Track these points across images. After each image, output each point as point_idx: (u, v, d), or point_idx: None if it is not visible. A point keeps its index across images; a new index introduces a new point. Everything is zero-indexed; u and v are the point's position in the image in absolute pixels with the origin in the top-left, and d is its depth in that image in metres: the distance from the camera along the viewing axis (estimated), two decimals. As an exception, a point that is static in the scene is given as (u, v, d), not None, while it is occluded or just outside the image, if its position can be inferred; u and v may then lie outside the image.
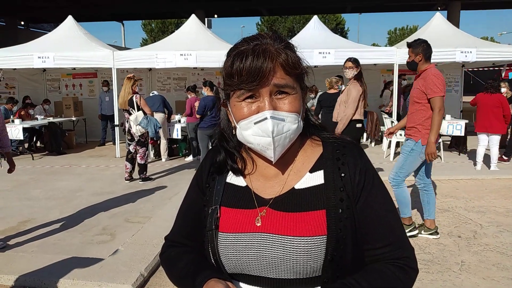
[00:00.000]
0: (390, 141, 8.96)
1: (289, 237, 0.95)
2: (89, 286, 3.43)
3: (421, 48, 4.12)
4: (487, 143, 7.49)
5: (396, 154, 8.96)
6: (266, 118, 0.94)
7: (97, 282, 3.44)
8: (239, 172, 1.08)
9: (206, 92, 8.02)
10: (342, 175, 1.00)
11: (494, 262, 3.83)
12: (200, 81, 10.20)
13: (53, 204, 5.94)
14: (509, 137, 8.72)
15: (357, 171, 1.01)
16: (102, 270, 3.64)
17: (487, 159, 7.67)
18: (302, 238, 0.94)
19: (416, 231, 4.43)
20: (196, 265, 1.04)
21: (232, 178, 1.09)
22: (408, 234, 4.01)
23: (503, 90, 7.60)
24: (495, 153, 7.47)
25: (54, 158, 9.63)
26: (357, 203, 0.99)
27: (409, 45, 4.25)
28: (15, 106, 10.51)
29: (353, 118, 5.39)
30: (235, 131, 1.02)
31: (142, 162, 7.08)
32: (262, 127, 0.94)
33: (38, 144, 11.08)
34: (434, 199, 4.39)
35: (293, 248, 0.94)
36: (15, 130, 9.11)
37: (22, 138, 9.41)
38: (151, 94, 9.29)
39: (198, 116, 7.84)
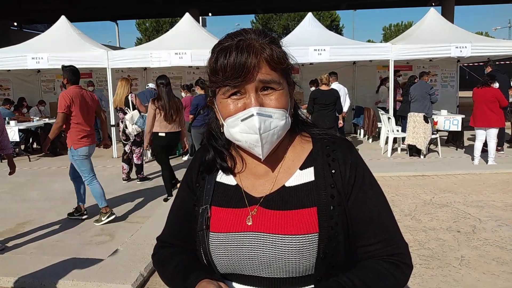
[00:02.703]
0: (387, 137, 8.97)
1: (281, 236, 0.94)
2: (88, 286, 3.41)
3: (66, 74, 4.91)
4: (485, 137, 7.51)
5: (394, 150, 8.98)
6: (252, 115, 0.92)
7: (96, 282, 3.42)
8: (229, 171, 1.06)
9: (198, 91, 8.01)
10: (333, 171, 0.99)
11: (493, 257, 3.84)
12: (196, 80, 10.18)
13: (50, 205, 5.91)
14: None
15: (348, 167, 1.00)
16: (102, 271, 3.62)
17: (485, 153, 7.71)
18: (294, 236, 0.93)
19: (113, 216, 5.06)
20: (188, 265, 1.03)
21: (222, 177, 1.07)
22: (106, 220, 4.97)
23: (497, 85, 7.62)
24: (492, 147, 7.49)
25: (50, 159, 9.59)
26: (349, 200, 0.98)
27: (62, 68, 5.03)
28: (12, 107, 10.43)
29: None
30: (223, 128, 1.00)
31: (139, 162, 7.05)
32: (249, 124, 0.93)
33: (35, 145, 11.02)
34: (99, 191, 5.02)
35: (284, 246, 0.93)
36: (10, 132, 9.05)
37: (18, 139, 9.38)
38: (146, 87, 9.18)
39: (191, 115, 7.81)
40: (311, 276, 0.95)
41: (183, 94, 9.14)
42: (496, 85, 7.60)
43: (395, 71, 9.86)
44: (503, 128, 7.94)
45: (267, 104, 0.94)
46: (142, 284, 3.52)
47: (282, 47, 0.98)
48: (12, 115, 9.99)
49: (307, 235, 0.93)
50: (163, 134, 5.66)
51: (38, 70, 11.85)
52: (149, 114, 5.73)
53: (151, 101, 5.80)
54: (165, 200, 5.89)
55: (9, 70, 10.70)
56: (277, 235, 0.94)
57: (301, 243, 0.92)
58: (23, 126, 9.53)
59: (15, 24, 26.19)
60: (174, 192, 6.19)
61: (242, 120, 0.93)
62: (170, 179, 5.90)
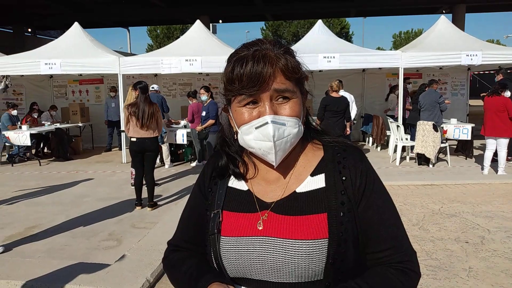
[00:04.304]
0: (396, 146, 8.92)
1: (291, 241, 0.95)
2: (95, 291, 3.44)
3: None
4: (495, 147, 7.42)
5: (402, 158, 8.93)
6: (267, 123, 0.95)
7: None
8: (240, 177, 1.09)
9: (207, 96, 8.05)
10: (343, 178, 1.01)
11: (502, 269, 3.79)
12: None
13: (59, 209, 5.97)
14: None
15: (358, 174, 1.02)
16: (108, 276, 3.65)
17: (494, 163, 7.62)
18: (304, 241, 0.94)
19: None
20: (199, 269, 1.04)
21: (234, 183, 1.09)
22: None
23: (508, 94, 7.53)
24: (502, 157, 7.40)
25: (61, 164, 9.69)
26: (358, 206, 1.00)
27: None
28: (15, 110, 10.30)
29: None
30: (237, 136, 1.03)
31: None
32: (263, 131, 0.95)
33: (45, 150, 11.14)
34: None
35: (294, 251, 0.94)
36: (22, 136, 9.19)
37: (29, 144, 9.47)
38: (150, 89, 8.83)
39: (213, 120, 7.84)
40: (320, 281, 0.96)
41: (189, 101, 9.17)
42: (508, 93, 7.53)
43: (405, 79, 9.79)
44: None
45: (281, 113, 0.96)
46: (149, 290, 3.54)
47: (296, 57, 1.01)
48: (7, 121, 9.84)
49: (317, 240, 0.94)
50: (134, 139, 5.69)
51: (51, 76, 12.01)
52: (124, 117, 5.88)
53: (124, 106, 5.88)
54: (136, 205, 5.89)
55: (22, 75, 10.86)
56: (288, 240, 0.95)
57: (311, 248, 0.94)
58: (34, 131, 9.64)
59: (29, 30, 26.62)
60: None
61: (256, 128, 0.96)
62: (140, 186, 5.89)
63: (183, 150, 9.79)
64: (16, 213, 5.82)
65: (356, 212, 0.99)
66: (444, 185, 6.95)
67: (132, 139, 5.70)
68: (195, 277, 1.02)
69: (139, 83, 5.80)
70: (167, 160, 9.00)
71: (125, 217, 5.54)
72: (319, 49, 9.22)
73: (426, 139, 8.08)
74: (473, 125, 9.07)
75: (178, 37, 14.15)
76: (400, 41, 46.39)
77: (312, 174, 1.04)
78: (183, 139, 9.09)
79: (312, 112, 9.15)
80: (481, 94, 8.84)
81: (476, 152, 9.50)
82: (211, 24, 25.52)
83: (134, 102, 5.73)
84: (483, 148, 7.93)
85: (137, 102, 5.69)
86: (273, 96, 0.96)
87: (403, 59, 8.97)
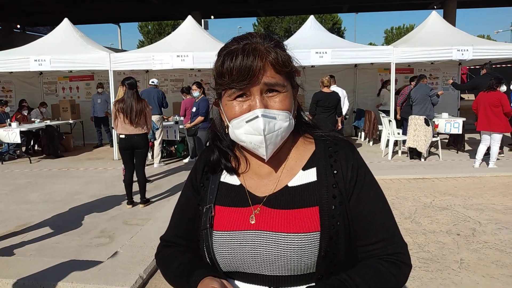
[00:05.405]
0: (388, 140, 8.96)
1: (283, 234, 0.95)
2: (87, 289, 3.41)
3: None
4: (489, 141, 7.47)
5: (394, 153, 8.97)
6: (257, 117, 0.95)
7: (96, 285, 3.43)
8: (232, 171, 1.09)
9: (199, 93, 8.01)
10: (335, 172, 1.01)
11: (493, 260, 3.84)
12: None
13: (51, 207, 5.92)
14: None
15: (349, 168, 1.02)
16: (101, 273, 3.63)
17: (485, 156, 7.69)
18: (296, 234, 0.95)
19: None
20: (191, 264, 1.04)
21: (226, 177, 1.09)
22: None
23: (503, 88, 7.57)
24: (495, 151, 7.46)
25: (51, 161, 9.61)
26: (350, 200, 1.00)
27: None
28: (7, 107, 10.20)
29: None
30: (228, 130, 1.02)
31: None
32: (253, 125, 0.95)
33: (36, 147, 11.03)
34: None
35: (287, 244, 0.94)
36: (12, 134, 9.08)
37: (19, 141, 9.37)
38: (150, 82, 8.86)
39: (202, 118, 7.80)
40: (313, 274, 0.96)
41: (183, 97, 9.12)
42: (504, 88, 7.57)
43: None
44: None
45: (272, 106, 0.96)
46: (141, 287, 3.53)
47: (287, 51, 1.01)
48: None
49: (309, 234, 0.94)
50: (123, 136, 5.62)
51: (41, 72, 11.88)
52: (112, 114, 5.86)
53: (113, 102, 5.87)
54: (127, 203, 5.80)
55: (11, 72, 10.73)
56: (280, 233, 0.96)
57: (303, 241, 0.94)
58: (24, 128, 9.54)
59: (18, 26, 26.28)
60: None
61: (247, 122, 0.96)
62: (130, 183, 5.80)
63: (176, 146, 9.74)
64: (7, 211, 5.76)
65: (347, 205, 0.99)
66: (435, 179, 7.01)
67: (121, 136, 5.64)
68: (188, 272, 1.02)
69: (127, 79, 5.73)
70: (156, 159, 8.67)
71: (117, 214, 5.51)
72: (311, 44, 9.22)
73: (418, 133, 8.13)
74: (464, 119, 9.14)
75: (169, 33, 14.05)
76: (392, 37, 46.55)
77: (304, 168, 1.04)
78: (175, 135, 9.03)
79: (304, 107, 9.14)
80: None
81: (467, 146, 9.58)
82: (202, 20, 25.39)
83: (121, 98, 5.66)
84: (474, 142, 7.99)
85: (124, 98, 5.62)
86: (263, 90, 0.95)
87: (395, 54, 9.01)
